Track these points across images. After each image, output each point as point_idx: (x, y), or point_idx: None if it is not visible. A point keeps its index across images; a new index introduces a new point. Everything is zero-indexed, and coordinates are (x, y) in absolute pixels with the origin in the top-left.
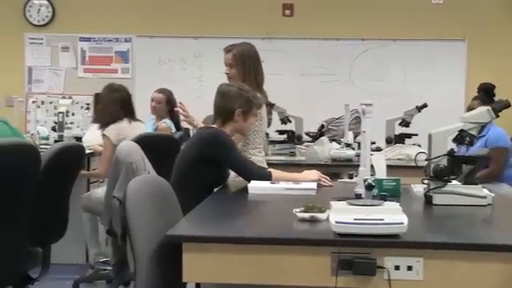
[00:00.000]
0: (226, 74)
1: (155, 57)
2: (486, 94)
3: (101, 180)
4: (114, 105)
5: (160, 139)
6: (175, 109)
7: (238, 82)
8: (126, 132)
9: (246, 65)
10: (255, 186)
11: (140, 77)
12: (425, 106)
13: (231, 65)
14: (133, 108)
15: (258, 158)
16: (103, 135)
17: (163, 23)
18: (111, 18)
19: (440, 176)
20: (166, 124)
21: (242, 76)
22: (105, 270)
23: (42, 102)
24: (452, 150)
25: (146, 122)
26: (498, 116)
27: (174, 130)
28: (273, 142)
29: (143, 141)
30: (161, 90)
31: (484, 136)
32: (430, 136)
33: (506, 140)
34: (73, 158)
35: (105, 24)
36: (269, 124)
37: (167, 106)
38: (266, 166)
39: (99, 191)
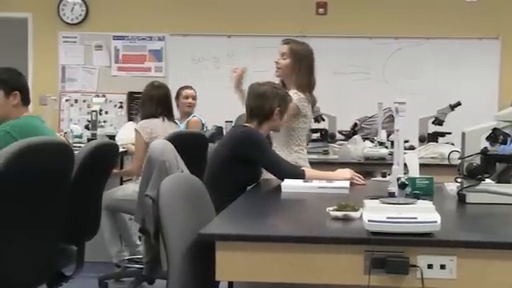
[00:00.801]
0: (276, 62)
1: (188, 55)
2: None
3: (134, 178)
4: (150, 102)
5: (190, 137)
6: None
7: (286, 73)
8: (158, 130)
9: (299, 61)
10: (288, 185)
11: (173, 75)
12: (458, 104)
13: (284, 56)
14: (170, 107)
15: (301, 155)
16: (135, 130)
17: (196, 21)
18: (144, 16)
19: (473, 174)
20: (197, 117)
21: (291, 69)
22: (131, 267)
23: (76, 101)
24: (486, 148)
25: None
26: None
27: (204, 124)
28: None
29: (175, 139)
30: (188, 87)
31: None
32: (463, 134)
33: None
34: (106, 156)
35: (138, 22)
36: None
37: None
38: (307, 164)
39: (119, 190)
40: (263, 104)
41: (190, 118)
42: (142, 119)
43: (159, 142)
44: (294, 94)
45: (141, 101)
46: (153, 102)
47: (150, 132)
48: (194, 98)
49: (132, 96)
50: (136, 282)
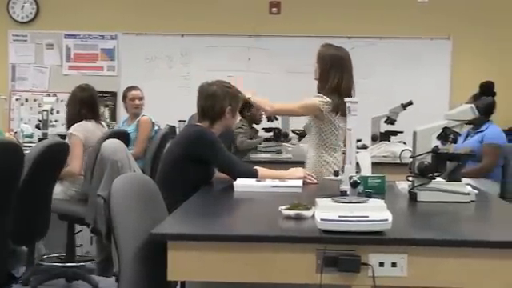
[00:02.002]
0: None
1: (141, 54)
2: (481, 92)
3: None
4: (73, 104)
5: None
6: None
7: (317, 77)
8: (90, 132)
9: (325, 65)
10: (241, 184)
11: (126, 74)
12: (410, 103)
13: (316, 59)
14: (96, 110)
15: (330, 158)
16: (70, 134)
17: (149, 20)
18: (97, 14)
19: (424, 173)
20: (147, 117)
21: (318, 75)
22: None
23: (26, 100)
24: (436, 147)
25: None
26: (490, 114)
27: (154, 123)
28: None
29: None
30: (134, 87)
31: (482, 132)
32: (414, 133)
33: (503, 139)
34: (57, 156)
35: (90, 21)
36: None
37: (143, 100)
38: (336, 169)
39: None
40: (214, 104)
41: (140, 117)
42: (67, 121)
43: (111, 141)
44: (316, 97)
45: (66, 103)
46: (76, 103)
47: (83, 130)
48: (141, 99)
49: None
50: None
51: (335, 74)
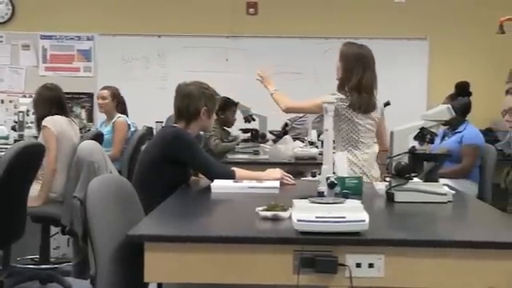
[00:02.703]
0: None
1: (118, 55)
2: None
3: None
4: (43, 103)
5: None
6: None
7: (339, 76)
8: (64, 125)
9: (345, 63)
10: (218, 185)
11: (103, 75)
12: (387, 103)
13: (339, 59)
14: (65, 109)
15: (351, 157)
16: (43, 126)
17: (126, 21)
18: (73, 15)
19: (401, 173)
20: (122, 119)
21: (340, 73)
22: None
23: (2, 101)
24: (413, 147)
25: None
26: (466, 114)
27: (130, 124)
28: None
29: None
30: (105, 87)
31: (460, 132)
32: (391, 134)
33: (481, 139)
34: (33, 157)
35: (66, 22)
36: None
37: (113, 101)
38: (365, 171)
39: None
40: (189, 104)
41: (115, 119)
42: (37, 120)
43: (87, 142)
44: (331, 95)
45: (33, 103)
46: (46, 103)
47: (55, 123)
48: (105, 98)
49: None
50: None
51: (357, 72)
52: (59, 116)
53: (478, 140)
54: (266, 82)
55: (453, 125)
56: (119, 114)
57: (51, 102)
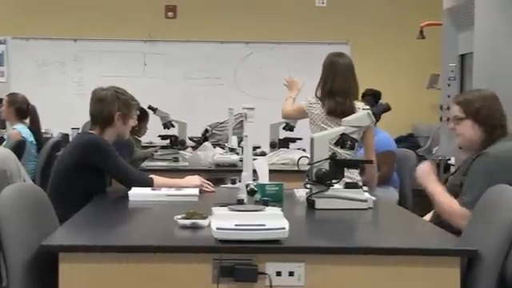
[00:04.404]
0: None
1: (32, 59)
2: (373, 98)
3: None
4: None
5: None
6: None
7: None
8: None
9: (323, 72)
10: (136, 193)
11: (16, 81)
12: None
13: None
14: None
15: None
16: None
17: (40, 25)
18: None
19: (322, 180)
20: (16, 130)
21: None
22: None
23: None
24: (334, 153)
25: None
26: (378, 119)
27: (26, 135)
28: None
29: None
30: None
31: None
32: (311, 140)
33: (393, 144)
34: None
35: None
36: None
37: (10, 108)
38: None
39: None
40: (102, 109)
41: (10, 130)
42: None
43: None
44: (304, 100)
45: None
46: None
47: None
48: (2, 105)
49: None
50: None
51: (326, 79)
52: None
53: (390, 145)
54: (291, 87)
55: None
56: (17, 124)
57: None
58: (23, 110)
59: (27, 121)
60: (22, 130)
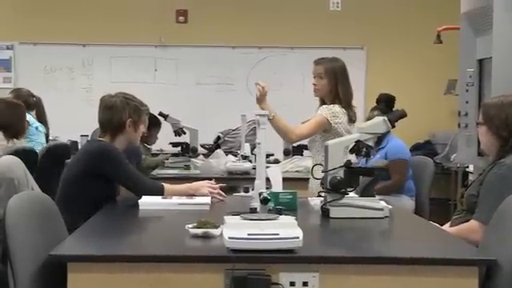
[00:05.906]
0: (314, 85)
1: (40, 65)
2: (386, 104)
3: None
4: None
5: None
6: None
7: (324, 93)
8: None
9: (334, 79)
10: (146, 202)
11: (24, 86)
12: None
13: (321, 77)
14: None
15: None
16: None
17: (48, 29)
18: None
19: (337, 188)
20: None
21: (329, 89)
22: None
23: None
24: (349, 161)
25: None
26: (394, 126)
27: (33, 122)
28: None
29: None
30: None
31: (384, 148)
32: (326, 147)
33: (406, 151)
34: None
35: None
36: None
37: None
38: None
39: None
40: (112, 116)
41: None
42: None
43: (6, 158)
44: (324, 109)
45: None
46: None
47: None
48: None
49: None
50: None
51: (342, 85)
52: None
53: (402, 153)
54: (262, 101)
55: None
56: None
57: None
58: (30, 103)
59: (33, 112)
60: (29, 119)
